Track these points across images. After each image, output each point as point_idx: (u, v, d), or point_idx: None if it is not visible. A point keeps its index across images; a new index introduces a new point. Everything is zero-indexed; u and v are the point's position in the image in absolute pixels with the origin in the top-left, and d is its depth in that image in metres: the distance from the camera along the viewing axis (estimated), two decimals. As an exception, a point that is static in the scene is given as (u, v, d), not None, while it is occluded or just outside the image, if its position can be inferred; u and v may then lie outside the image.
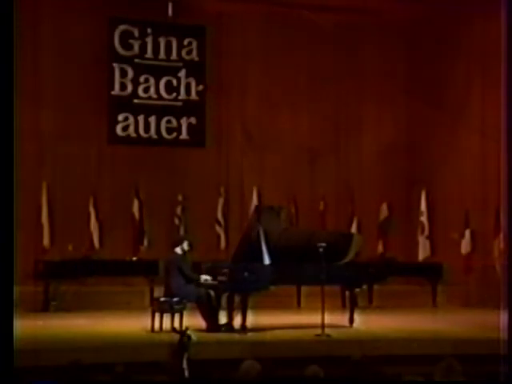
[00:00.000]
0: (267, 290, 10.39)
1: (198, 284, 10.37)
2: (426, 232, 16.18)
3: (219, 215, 15.97)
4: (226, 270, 10.32)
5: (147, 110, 16.20)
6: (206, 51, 16.54)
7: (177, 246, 10.60)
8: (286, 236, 10.81)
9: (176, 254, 10.56)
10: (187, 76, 16.42)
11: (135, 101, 16.14)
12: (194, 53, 16.49)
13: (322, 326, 9.91)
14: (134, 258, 14.68)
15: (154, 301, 11.02)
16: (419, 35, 17.02)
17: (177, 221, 15.64)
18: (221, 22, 16.58)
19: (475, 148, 15.82)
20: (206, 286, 10.37)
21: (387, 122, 17.15)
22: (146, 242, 15.32)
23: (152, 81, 16.22)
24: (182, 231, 15.28)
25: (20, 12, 12.67)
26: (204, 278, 10.38)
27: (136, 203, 15.44)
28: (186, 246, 10.56)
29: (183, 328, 8.23)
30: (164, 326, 10.14)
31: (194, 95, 16.47)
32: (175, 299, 10.20)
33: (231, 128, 16.70)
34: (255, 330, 10.12)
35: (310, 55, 16.94)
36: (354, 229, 15.96)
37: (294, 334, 10.22)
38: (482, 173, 15.52)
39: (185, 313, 10.15)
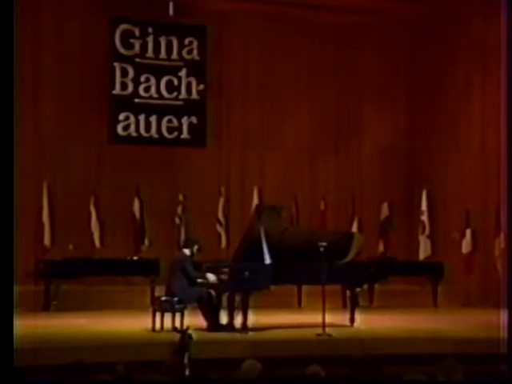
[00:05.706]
0: (268, 290, 10.39)
1: (199, 284, 10.36)
2: (427, 231, 16.17)
3: (220, 214, 15.94)
4: (226, 270, 10.33)
5: (148, 110, 16.18)
6: (207, 50, 16.52)
7: (187, 246, 10.59)
8: (286, 235, 10.81)
9: (184, 253, 10.54)
10: (188, 75, 16.41)
11: (136, 100, 16.12)
12: (195, 52, 16.48)
13: (323, 325, 9.92)
14: (135, 258, 14.66)
15: (155, 300, 11.02)
16: (419, 35, 17.00)
17: (177, 220, 15.63)
18: (222, 22, 16.56)
19: (475, 148, 15.82)
20: (207, 285, 10.37)
21: (387, 122, 17.12)
22: (146, 242, 15.30)
23: (153, 80, 16.21)
24: (182, 231, 15.28)
25: (20, 12, 12.71)
26: (210, 276, 10.34)
27: (137, 202, 15.43)
28: (195, 249, 10.52)
29: (184, 327, 8.25)
30: (165, 325, 10.14)
31: (194, 94, 16.46)
32: (176, 298, 10.20)
33: (232, 127, 16.69)
34: (256, 329, 10.13)
35: (311, 55, 16.94)
36: (354, 228, 15.95)
37: (294, 334, 10.24)
38: (483, 172, 15.51)
39: (186, 312, 10.16)
